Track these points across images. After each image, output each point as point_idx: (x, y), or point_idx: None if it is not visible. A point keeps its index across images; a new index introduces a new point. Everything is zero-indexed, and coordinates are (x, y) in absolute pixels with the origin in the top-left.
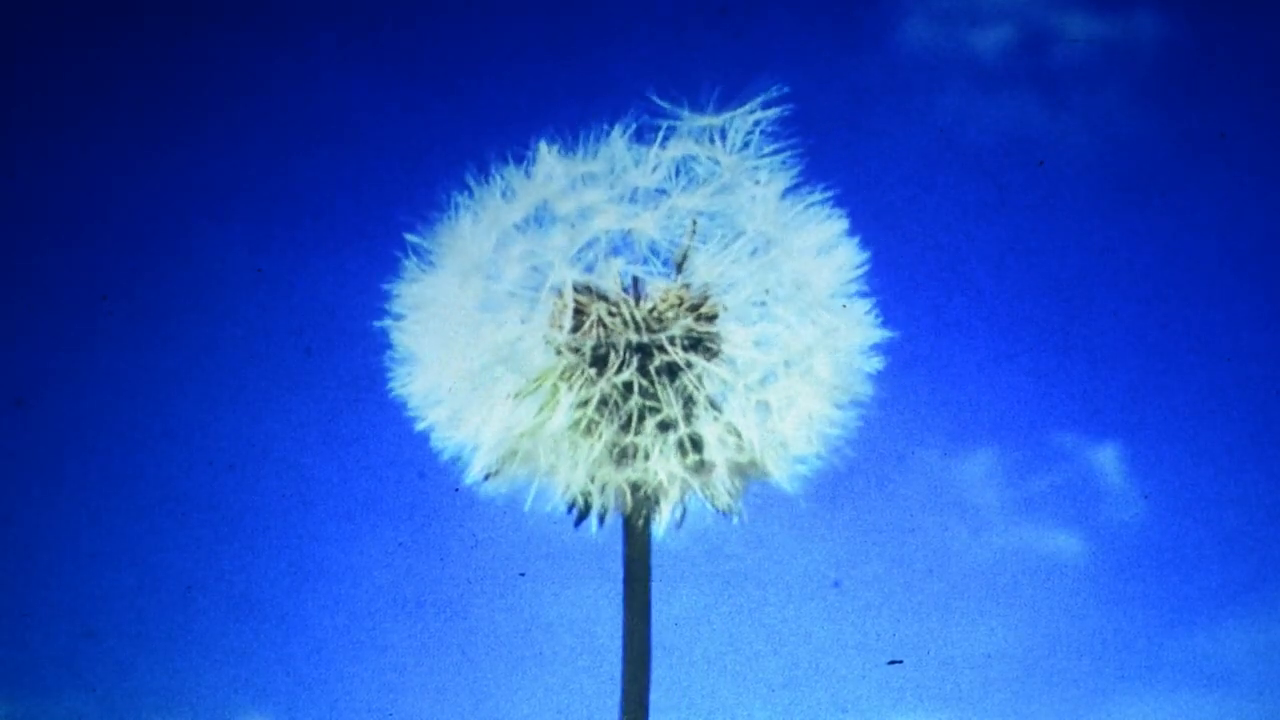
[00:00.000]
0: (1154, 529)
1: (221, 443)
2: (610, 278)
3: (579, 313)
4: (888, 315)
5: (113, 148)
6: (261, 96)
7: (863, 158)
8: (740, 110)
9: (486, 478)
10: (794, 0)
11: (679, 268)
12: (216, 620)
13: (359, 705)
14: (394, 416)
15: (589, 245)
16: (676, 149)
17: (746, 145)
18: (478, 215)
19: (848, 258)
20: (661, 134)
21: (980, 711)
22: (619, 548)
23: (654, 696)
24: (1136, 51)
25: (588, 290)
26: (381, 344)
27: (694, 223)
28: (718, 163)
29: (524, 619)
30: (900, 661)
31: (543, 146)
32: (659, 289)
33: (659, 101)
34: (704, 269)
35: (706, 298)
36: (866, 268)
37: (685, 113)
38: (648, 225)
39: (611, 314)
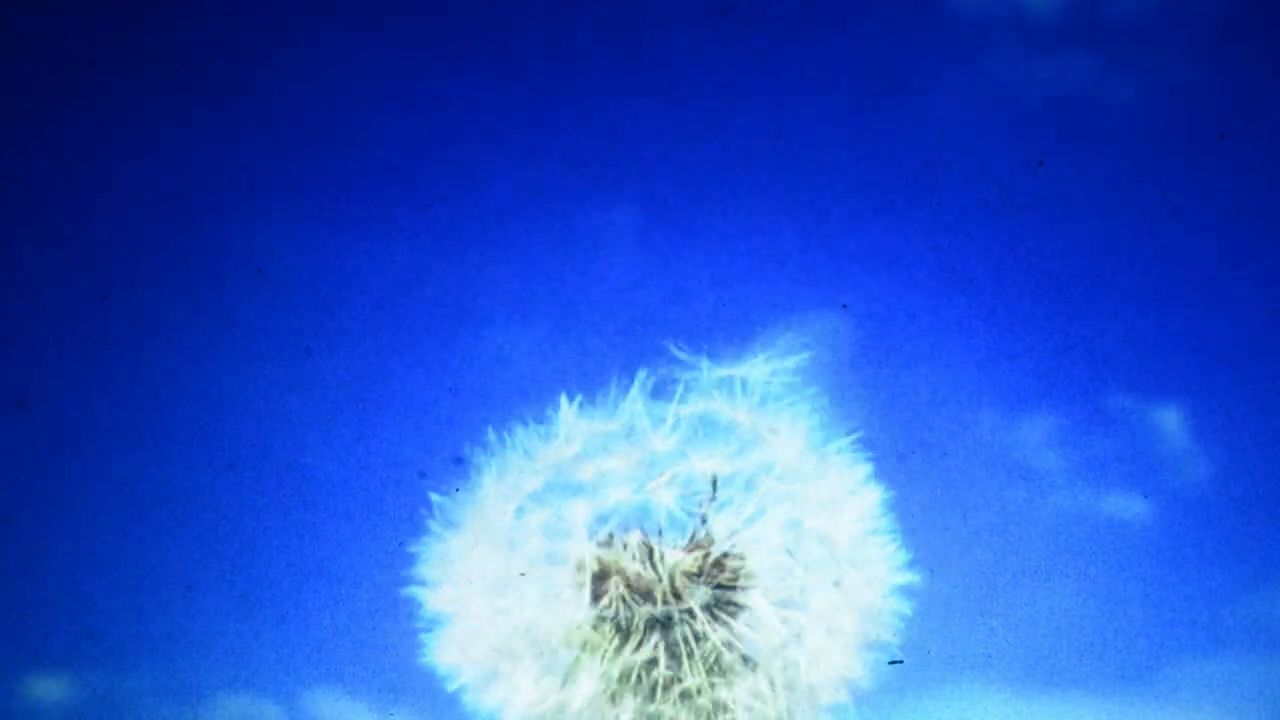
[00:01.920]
0: (1219, 491)
1: (221, 443)
2: (629, 550)
3: (599, 585)
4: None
5: (113, 147)
6: (262, 95)
7: (916, 133)
8: (759, 360)
9: None
10: None
11: (699, 534)
12: (216, 620)
13: (359, 705)
14: (394, 416)
15: (608, 516)
16: (695, 405)
17: (765, 397)
18: (498, 480)
19: (870, 503)
20: (680, 389)
21: (1043, 676)
22: None
23: None
24: (1194, 8)
25: (607, 565)
26: (381, 344)
27: (714, 486)
28: (736, 419)
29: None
30: (900, 661)
31: (563, 402)
32: (678, 556)
33: (678, 352)
34: (724, 532)
35: (727, 562)
36: (889, 509)
37: (704, 363)
38: (666, 496)
39: (631, 588)
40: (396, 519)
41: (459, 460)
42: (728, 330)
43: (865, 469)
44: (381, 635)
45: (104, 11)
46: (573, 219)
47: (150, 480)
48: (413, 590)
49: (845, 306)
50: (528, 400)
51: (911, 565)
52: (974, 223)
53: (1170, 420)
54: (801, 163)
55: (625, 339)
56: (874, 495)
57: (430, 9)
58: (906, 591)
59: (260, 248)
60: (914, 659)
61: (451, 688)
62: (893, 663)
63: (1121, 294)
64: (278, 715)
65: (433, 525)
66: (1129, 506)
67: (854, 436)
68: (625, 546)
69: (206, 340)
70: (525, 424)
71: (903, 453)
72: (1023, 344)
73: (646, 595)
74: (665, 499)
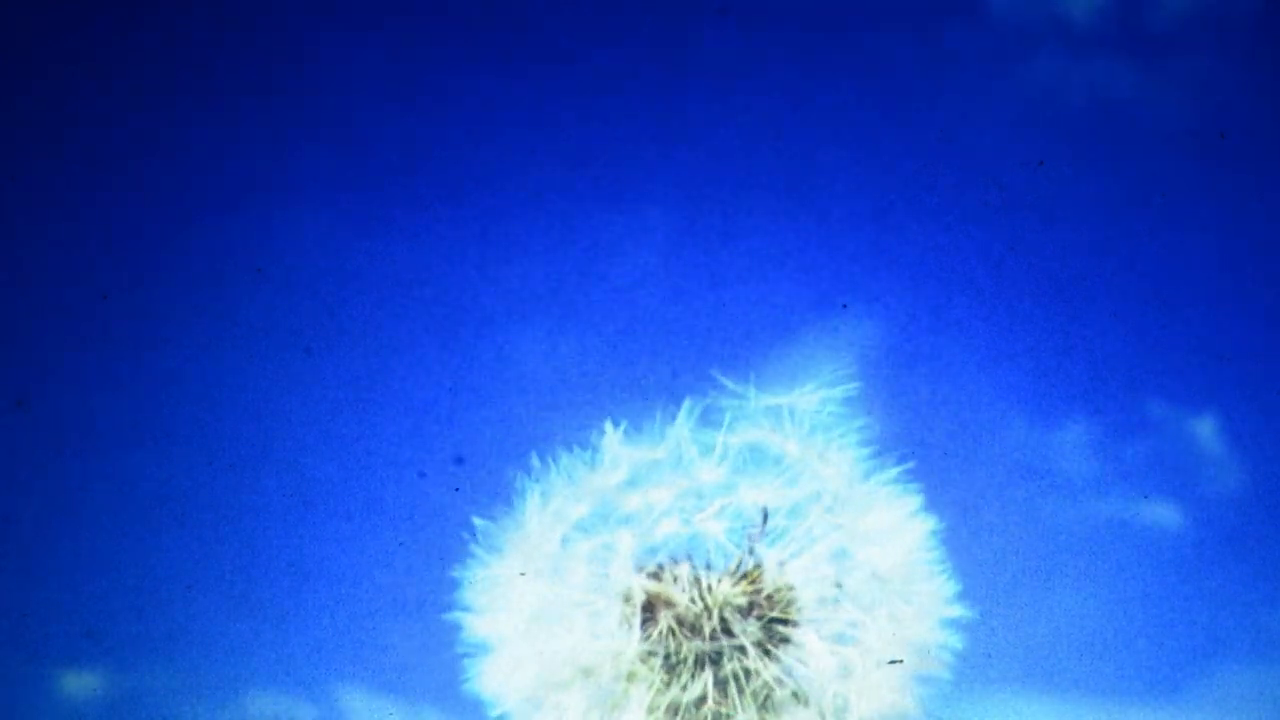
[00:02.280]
0: (1254, 499)
1: (221, 443)
2: (678, 582)
3: (647, 617)
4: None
5: (113, 147)
6: (263, 95)
7: (955, 137)
8: (807, 388)
9: None
10: None
11: (748, 566)
12: (216, 620)
13: (359, 705)
14: (394, 416)
15: (655, 547)
16: (743, 435)
17: (815, 427)
18: (543, 508)
19: (920, 534)
20: (728, 419)
21: (1076, 683)
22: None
23: None
24: (1235, 14)
25: (655, 596)
26: (381, 344)
27: (764, 518)
28: (785, 448)
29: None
30: (900, 661)
31: (608, 429)
32: (728, 589)
33: (725, 381)
34: (773, 566)
35: (778, 596)
36: (938, 543)
37: (752, 392)
38: (715, 527)
39: (680, 622)
40: (396, 519)
41: (459, 460)
42: (756, 338)
43: (915, 499)
44: (381, 635)
45: (104, 10)
46: (573, 219)
47: (150, 480)
48: (456, 616)
49: (845, 306)
50: (534, 403)
51: (962, 598)
52: (1010, 228)
53: (1205, 428)
54: (836, 166)
55: (650, 344)
56: (924, 526)
57: (431, 8)
58: (956, 625)
59: (260, 248)
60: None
61: (495, 715)
62: (892, 662)
63: (1157, 301)
64: (277, 715)
65: (476, 550)
66: (1163, 514)
67: (904, 466)
68: (675, 579)
69: (206, 340)
70: (569, 449)
71: (935, 460)
72: (1057, 351)
73: (695, 629)
74: (714, 530)
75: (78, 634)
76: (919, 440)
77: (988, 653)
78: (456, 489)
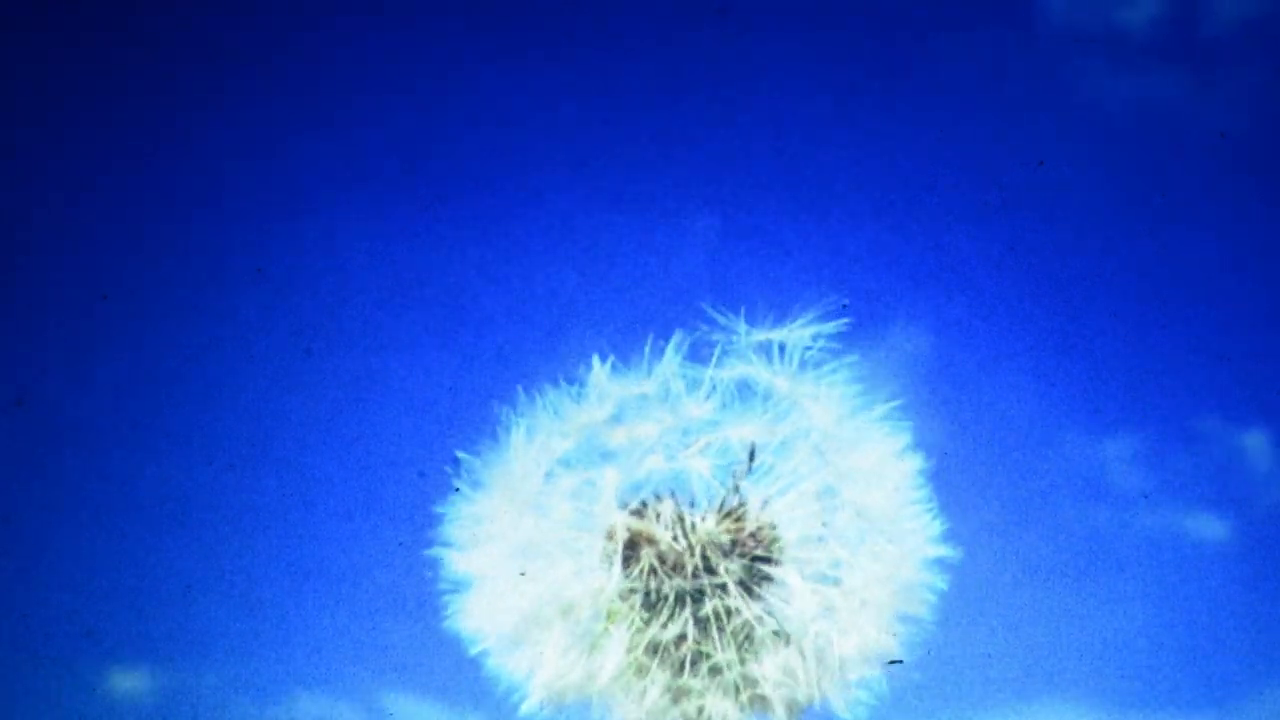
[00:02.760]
0: None
1: (221, 443)
2: (661, 519)
3: (629, 555)
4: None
5: (113, 147)
6: (263, 95)
7: (1006, 145)
8: (798, 323)
9: (543, 708)
10: None
11: (732, 504)
12: (216, 620)
13: (359, 706)
14: (394, 416)
15: (640, 484)
16: (732, 370)
17: (804, 362)
18: (527, 442)
19: (908, 473)
20: (717, 352)
21: (1121, 695)
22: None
23: None
24: None
25: (638, 534)
26: (381, 344)
27: (750, 456)
28: (774, 384)
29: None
30: (900, 661)
31: (595, 364)
32: (712, 527)
33: (714, 313)
34: (758, 504)
35: (762, 535)
36: (927, 480)
37: (742, 325)
38: (701, 464)
39: (662, 560)
40: (397, 519)
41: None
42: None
43: (904, 437)
44: (381, 635)
45: (104, 10)
46: (573, 219)
47: (150, 480)
48: (437, 551)
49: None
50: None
51: (947, 538)
52: (1062, 238)
53: (1255, 442)
54: (884, 174)
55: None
56: (911, 464)
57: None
58: (941, 565)
59: (260, 248)
60: (995, 675)
61: (475, 652)
62: (892, 662)
63: (1210, 316)
64: (276, 714)
65: (459, 485)
66: (1212, 527)
67: (893, 403)
68: (657, 516)
69: (206, 340)
70: (555, 384)
71: (984, 470)
72: (1108, 363)
73: (677, 567)
74: (699, 467)
75: (78, 634)
76: (968, 451)
77: (1032, 662)
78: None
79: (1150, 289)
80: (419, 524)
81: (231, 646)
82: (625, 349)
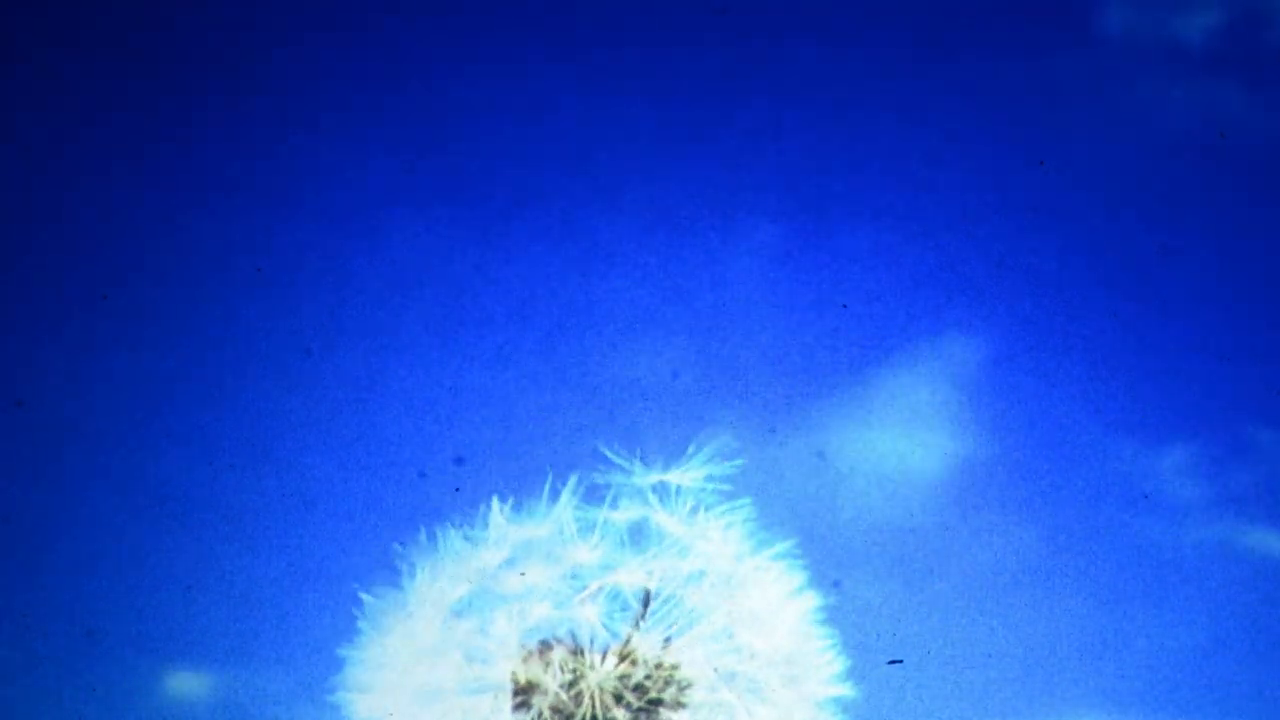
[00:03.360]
0: None
1: (221, 443)
2: (552, 669)
3: (523, 702)
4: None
5: (112, 146)
6: (263, 95)
7: (1064, 154)
8: (691, 465)
9: None
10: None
11: (624, 650)
12: (216, 620)
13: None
14: (394, 416)
15: (532, 632)
16: (627, 512)
17: (698, 505)
18: (425, 587)
19: (805, 612)
20: (611, 495)
21: (1176, 713)
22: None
23: None
24: None
25: (531, 683)
26: (381, 344)
27: (644, 603)
28: (668, 526)
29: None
30: (900, 661)
31: (495, 505)
32: (607, 671)
33: (610, 455)
34: (651, 650)
35: (657, 678)
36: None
37: (637, 467)
38: (590, 613)
39: (555, 709)
40: (396, 519)
41: (459, 460)
42: (854, 360)
43: (799, 577)
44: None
45: (104, 10)
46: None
47: (150, 480)
48: (339, 695)
49: (845, 306)
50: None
51: (848, 677)
52: (1115, 250)
53: None
54: (941, 185)
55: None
56: (807, 603)
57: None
58: (840, 704)
59: (260, 248)
60: (1044, 688)
61: None
62: (892, 662)
63: (1267, 326)
64: (277, 714)
65: (363, 626)
66: (1269, 541)
67: (788, 543)
68: (546, 666)
69: (206, 340)
70: (456, 525)
71: (1035, 482)
72: (1162, 373)
73: (569, 716)
74: (589, 615)
75: (78, 634)
76: (1019, 462)
77: (1082, 676)
78: (457, 489)
79: (1206, 296)
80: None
81: (231, 646)
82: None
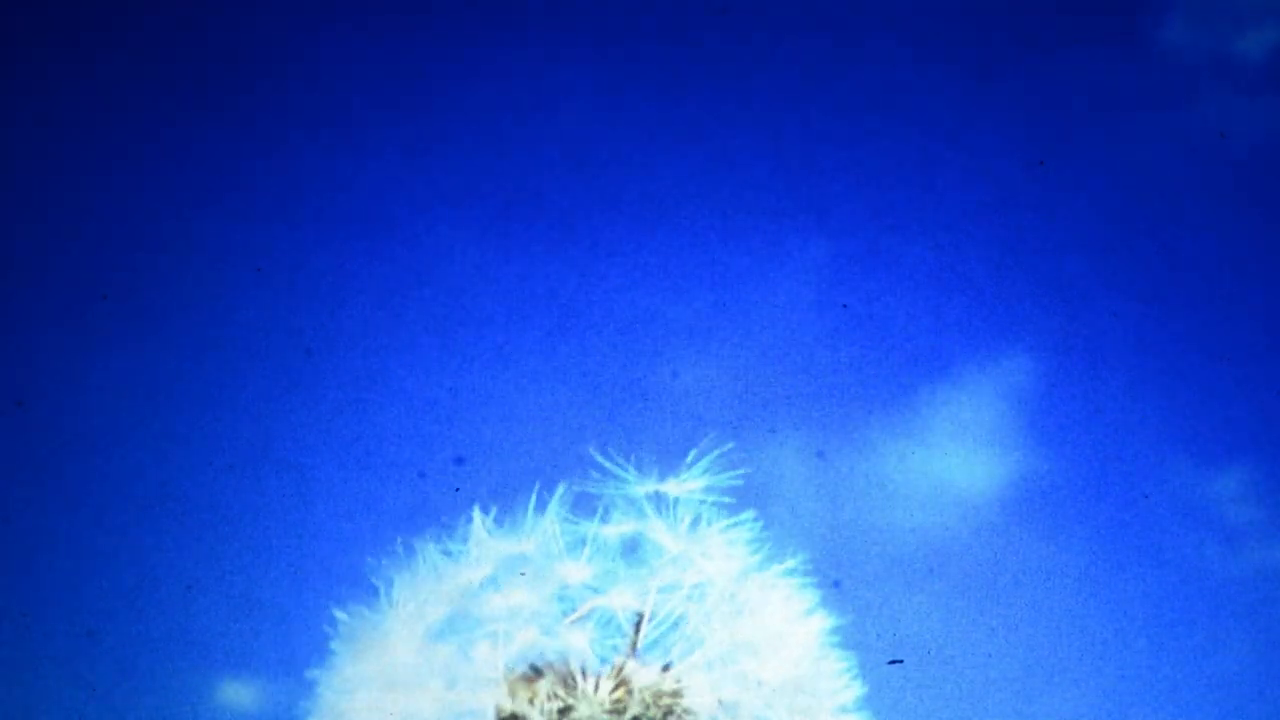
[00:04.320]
0: None
1: (221, 443)
2: (538, 701)
3: None
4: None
5: (113, 146)
6: (262, 95)
7: (1121, 170)
8: (691, 475)
9: None
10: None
11: (618, 678)
12: (216, 620)
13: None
14: (394, 416)
15: (518, 657)
16: (619, 526)
17: (697, 518)
18: (403, 607)
19: (814, 636)
20: (602, 507)
21: None
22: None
23: None
24: None
25: (513, 716)
26: (381, 344)
27: (637, 628)
28: (665, 543)
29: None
30: (900, 661)
31: (476, 516)
32: (596, 705)
33: (603, 460)
34: (648, 678)
35: (651, 711)
36: (835, 634)
37: (631, 474)
38: (580, 637)
39: None
40: (397, 519)
41: (459, 460)
42: (910, 377)
43: (808, 597)
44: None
45: (105, 10)
46: (573, 220)
47: (150, 480)
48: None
49: (845, 306)
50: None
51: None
52: (1171, 270)
53: None
54: (993, 203)
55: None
56: (817, 626)
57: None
58: None
59: (260, 248)
60: (1099, 711)
61: None
62: (892, 662)
63: None
64: (276, 715)
65: (336, 647)
66: None
67: (798, 559)
68: (534, 696)
69: (206, 340)
70: (437, 537)
71: (1093, 504)
72: (1222, 394)
73: None
74: (580, 639)
75: (78, 634)
76: (1076, 484)
77: (1139, 699)
78: (457, 489)
79: (1269, 319)
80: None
81: (230, 647)
82: None
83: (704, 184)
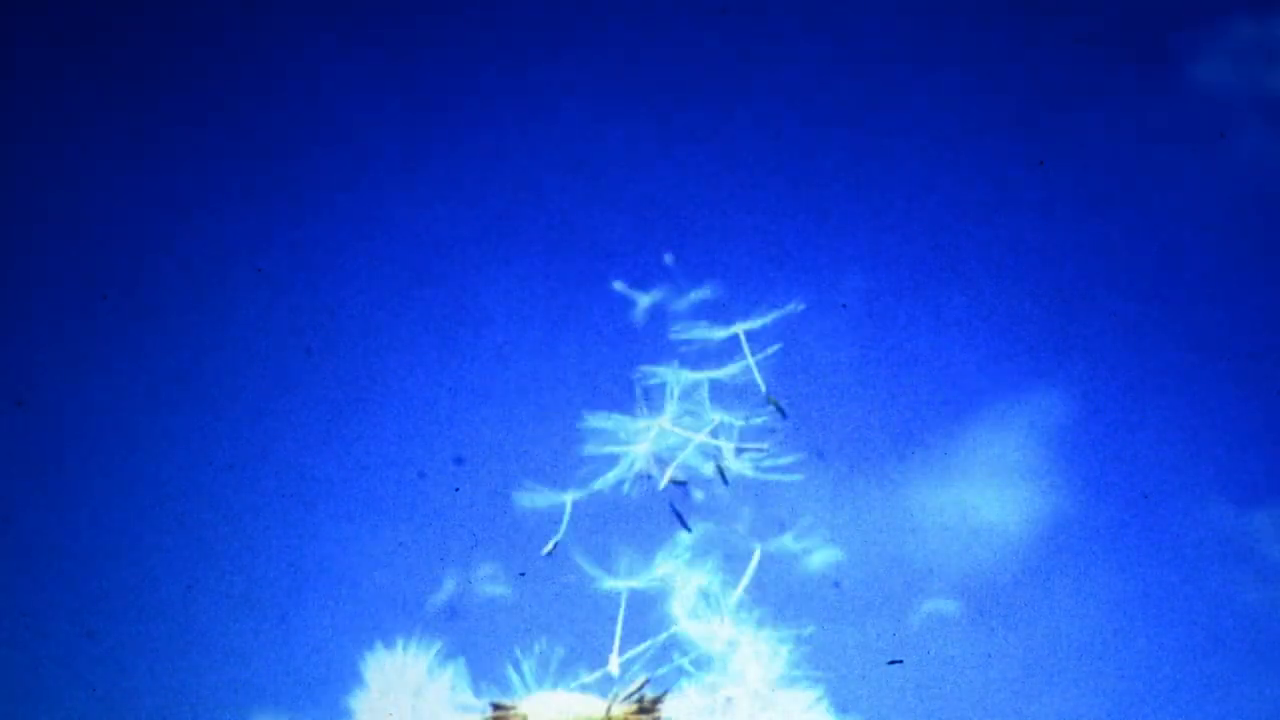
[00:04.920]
0: None
1: (221, 443)
2: None
3: None
4: None
5: (113, 146)
6: (262, 95)
7: (1157, 202)
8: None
9: None
10: (1073, 38)
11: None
12: (216, 620)
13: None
14: (394, 416)
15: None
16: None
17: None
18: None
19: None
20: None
21: None
22: (621, 547)
23: None
24: None
25: None
26: (381, 343)
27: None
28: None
29: (524, 619)
30: (900, 661)
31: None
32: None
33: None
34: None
35: None
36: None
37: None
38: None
39: None
40: (396, 519)
41: (459, 460)
42: (934, 416)
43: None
44: (380, 636)
45: (105, 10)
46: (573, 220)
47: (150, 480)
48: None
49: (845, 306)
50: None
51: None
52: (1202, 307)
53: None
54: (1020, 240)
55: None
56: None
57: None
58: None
59: (260, 248)
60: None
61: None
62: (892, 662)
63: None
64: (276, 715)
65: None
66: None
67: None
68: None
69: (206, 340)
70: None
71: (1124, 544)
72: (1260, 430)
73: None
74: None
75: (78, 634)
76: (1108, 522)
77: None
78: (457, 489)
79: None
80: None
81: (231, 647)
82: None
83: (704, 184)
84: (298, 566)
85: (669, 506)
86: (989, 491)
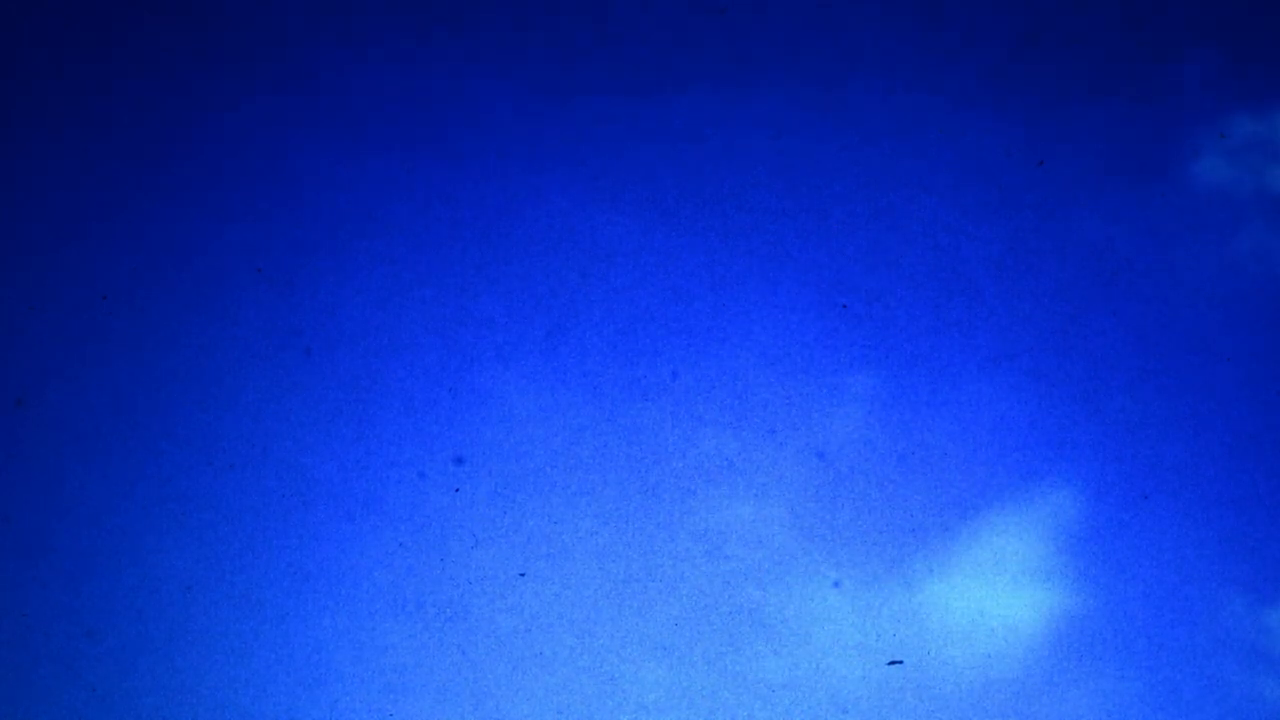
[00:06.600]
0: None
1: (221, 443)
2: None
3: None
4: None
5: (113, 146)
6: (262, 95)
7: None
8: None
9: None
10: (1080, 139)
11: None
12: (216, 620)
13: (359, 706)
14: (394, 416)
15: None
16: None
17: None
18: None
19: None
20: None
21: None
22: (620, 548)
23: None
24: None
25: None
26: (381, 343)
27: None
28: None
29: (524, 619)
30: (900, 662)
31: None
32: None
33: None
34: None
35: None
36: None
37: None
38: None
39: None
40: (396, 519)
41: (459, 460)
42: (942, 515)
43: None
44: (381, 636)
45: (104, 9)
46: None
47: (150, 480)
48: None
49: (845, 306)
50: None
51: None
52: (1223, 402)
53: None
54: (1036, 330)
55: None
56: None
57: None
58: None
59: (260, 248)
60: None
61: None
62: (892, 663)
63: None
64: (276, 715)
65: None
66: None
67: None
68: None
69: (206, 340)
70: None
71: (1141, 641)
72: (1274, 525)
73: None
74: None
75: (78, 634)
76: (1122, 619)
77: None
78: (456, 489)
79: None
80: (419, 524)
81: (231, 647)
82: None
83: (704, 184)
84: (298, 566)
85: None
86: (1000, 587)
